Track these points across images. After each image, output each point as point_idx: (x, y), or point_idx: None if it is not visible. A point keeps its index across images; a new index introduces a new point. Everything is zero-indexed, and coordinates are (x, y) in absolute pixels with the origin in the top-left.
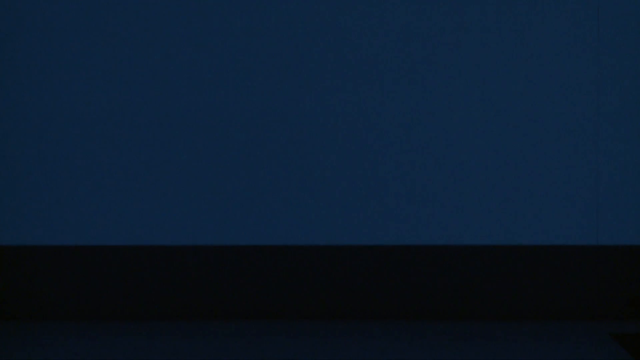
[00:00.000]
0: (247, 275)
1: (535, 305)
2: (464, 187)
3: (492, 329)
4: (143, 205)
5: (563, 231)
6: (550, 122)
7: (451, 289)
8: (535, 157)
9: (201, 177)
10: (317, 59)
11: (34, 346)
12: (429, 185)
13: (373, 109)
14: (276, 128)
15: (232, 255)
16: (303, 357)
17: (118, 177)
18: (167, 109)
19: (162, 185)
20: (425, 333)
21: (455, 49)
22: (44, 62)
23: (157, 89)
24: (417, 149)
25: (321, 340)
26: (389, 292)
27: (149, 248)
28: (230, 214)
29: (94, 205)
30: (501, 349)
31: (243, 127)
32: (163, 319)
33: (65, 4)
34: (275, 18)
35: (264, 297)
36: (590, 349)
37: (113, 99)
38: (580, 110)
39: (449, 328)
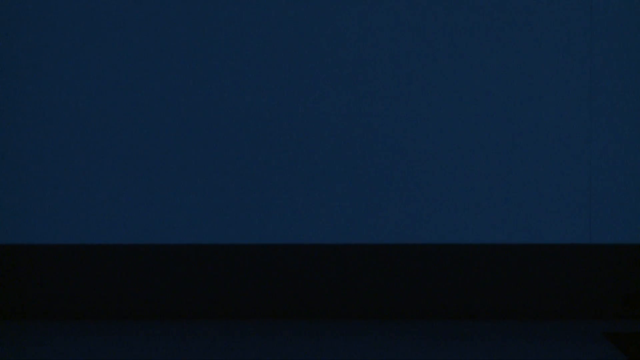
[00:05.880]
0: (247, 274)
1: (527, 304)
2: (457, 186)
3: (483, 328)
4: (143, 204)
5: (556, 229)
6: (543, 120)
7: (445, 287)
8: (528, 155)
9: (200, 176)
10: (314, 58)
11: (34, 346)
12: (424, 184)
13: (370, 107)
14: (275, 127)
15: (231, 255)
16: (303, 357)
17: (118, 175)
18: (166, 109)
19: (163, 184)
20: (419, 332)
21: (450, 49)
22: (43, 60)
23: (156, 88)
24: (412, 148)
25: (321, 340)
26: (387, 292)
27: (149, 247)
28: (230, 213)
29: (93, 204)
30: (492, 348)
31: (242, 127)
32: (163, 319)
33: (65, 3)
34: (271, 17)
35: (264, 297)
36: (584, 348)
37: (112, 98)
38: (574, 109)
39: (443, 327)
